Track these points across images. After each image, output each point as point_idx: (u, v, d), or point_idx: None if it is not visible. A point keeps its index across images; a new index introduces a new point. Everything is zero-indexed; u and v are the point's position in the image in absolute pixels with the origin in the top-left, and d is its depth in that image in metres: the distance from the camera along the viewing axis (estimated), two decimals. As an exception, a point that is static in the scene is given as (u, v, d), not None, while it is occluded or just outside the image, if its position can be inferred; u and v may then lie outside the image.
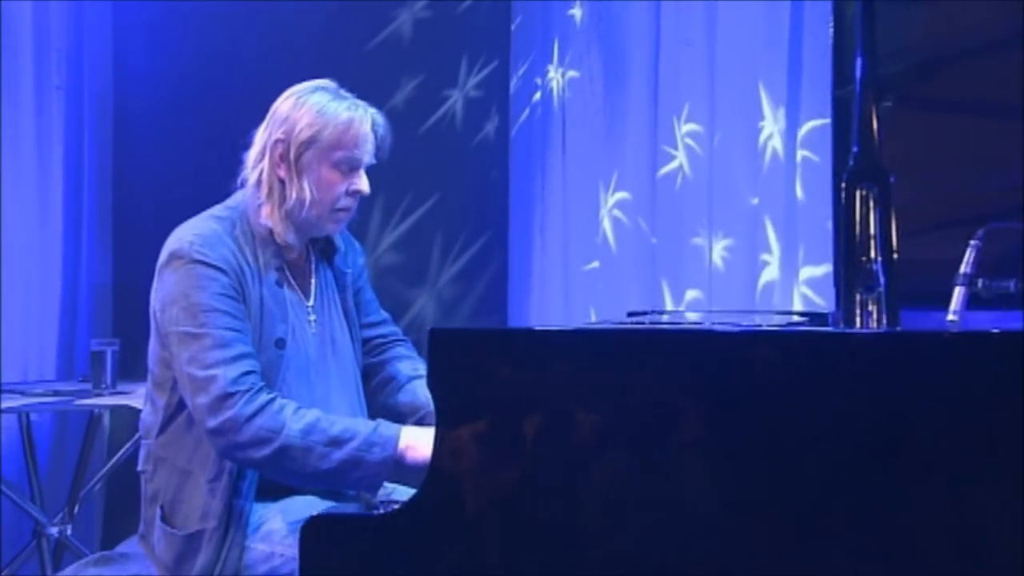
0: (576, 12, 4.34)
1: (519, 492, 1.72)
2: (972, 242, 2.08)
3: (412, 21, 4.63)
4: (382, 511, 1.82)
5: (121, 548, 2.57)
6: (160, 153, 4.36)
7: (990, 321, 2.07)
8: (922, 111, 2.55)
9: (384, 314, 2.58)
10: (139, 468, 2.37)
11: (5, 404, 3.27)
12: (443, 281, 4.64)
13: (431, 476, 1.77)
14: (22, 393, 3.44)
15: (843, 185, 1.77)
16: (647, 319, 2.75)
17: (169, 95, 4.36)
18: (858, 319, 1.71)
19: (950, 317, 2.05)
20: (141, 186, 4.35)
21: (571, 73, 4.36)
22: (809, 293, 3.48)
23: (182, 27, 4.37)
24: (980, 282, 2.06)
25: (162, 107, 4.36)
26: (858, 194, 1.76)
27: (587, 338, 1.82)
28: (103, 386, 3.37)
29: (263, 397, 2.13)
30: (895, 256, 1.72)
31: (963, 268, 2.06)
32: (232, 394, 2.12)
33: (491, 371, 1.76)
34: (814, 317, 2.73)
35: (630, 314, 3.00)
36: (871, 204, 1.75)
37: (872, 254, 1.73)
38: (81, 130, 4.29)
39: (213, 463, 2.21)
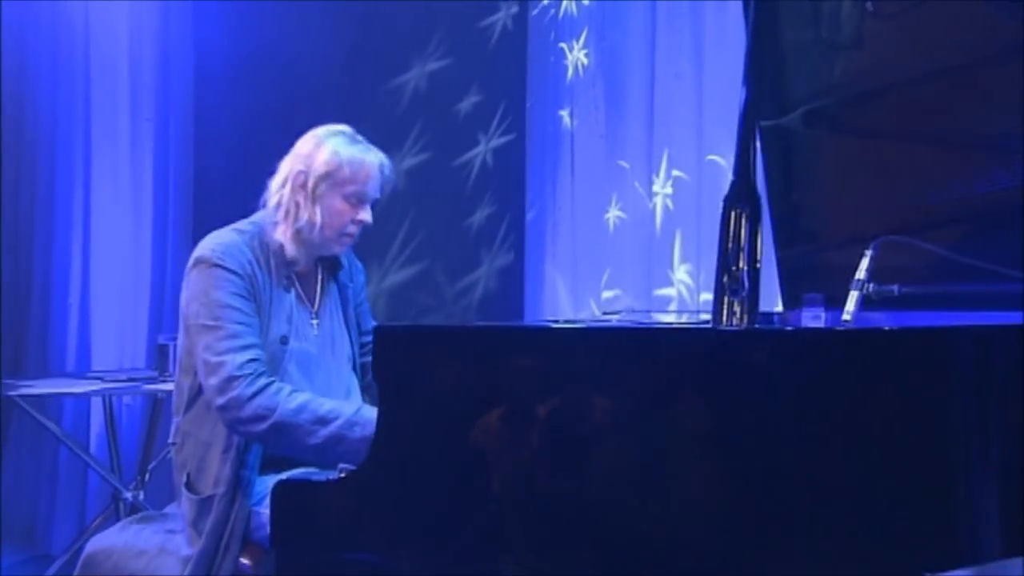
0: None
1: (446, 466, 1.81)
2: (867, 252, 2.15)
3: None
4: (334, 477, 1.95)
5: (167, 509, 2.73)
6: (234, 173, 4.47)
7: (878, 320, 2.14)
8: (850, 139, 2.60)
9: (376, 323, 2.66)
10: (170, 441, 2.51)
11: (84, 388, 3.51)
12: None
13: (372, 450, 1.87)
14: (102, 379, 3.68)
15: (721, 206, 1.87)
16: (616, 317, 2.82)
17: (241, 125, 4.52)
18: (724, 318, 1.80)
19: (845, 316, 2.12)
20: (218, 200, 4.47)
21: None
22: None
23: (253, 67, 4.54)
24: (870, 287, 2.13)
25: (236, 135, 4.52)
26: (733, 214, 1.85)
27: (516, 335, 1.90)
28: (167, 374, 3.56)
29: (262, 381, 2.26)
30: (758, 266, 1.81)
31: (858, 275, 2.13)
32: (237, 377, 2.25)
33: (427, 363, 1.85)
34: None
35: (605, 313, 3.07)
36: (743, 222, 1.84)
37: (740, 264, 1.82)
38: (167, 155, 4.53)
39: (226, 436, 2.33)
